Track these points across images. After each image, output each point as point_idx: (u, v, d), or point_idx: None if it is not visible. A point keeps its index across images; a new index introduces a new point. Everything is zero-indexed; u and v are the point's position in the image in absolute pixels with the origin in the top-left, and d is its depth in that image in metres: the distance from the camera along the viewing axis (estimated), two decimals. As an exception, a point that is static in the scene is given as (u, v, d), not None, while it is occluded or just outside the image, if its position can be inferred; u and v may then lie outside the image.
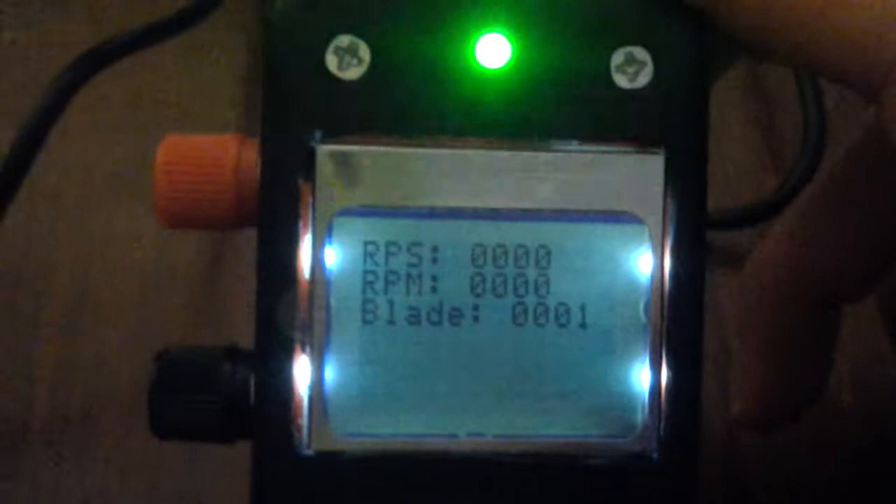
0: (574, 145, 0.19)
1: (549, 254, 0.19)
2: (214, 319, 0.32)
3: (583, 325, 0.19)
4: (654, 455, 0.19)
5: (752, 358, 0.24)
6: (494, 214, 0.19)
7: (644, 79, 0.19)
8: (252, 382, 0.19)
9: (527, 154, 0.19)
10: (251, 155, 0.19)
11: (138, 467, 0.30)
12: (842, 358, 0.27)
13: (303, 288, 0.19)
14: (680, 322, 0.19)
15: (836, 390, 0.29)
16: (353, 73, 0.18)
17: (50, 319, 0.32)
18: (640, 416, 0.19)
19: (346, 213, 0.19)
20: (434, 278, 0.19)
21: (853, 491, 0.28)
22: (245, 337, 0.31)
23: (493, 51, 0.19)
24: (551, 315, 0.19)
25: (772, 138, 0.35)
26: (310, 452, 0.19)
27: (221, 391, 0.19)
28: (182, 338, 0.31)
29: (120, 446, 0.30)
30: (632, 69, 0.19)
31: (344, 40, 0.18)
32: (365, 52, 0.18)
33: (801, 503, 0.27)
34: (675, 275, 0.19)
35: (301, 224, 0.19)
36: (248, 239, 0.33)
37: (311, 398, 0.19)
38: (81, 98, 0.31)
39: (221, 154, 0.19)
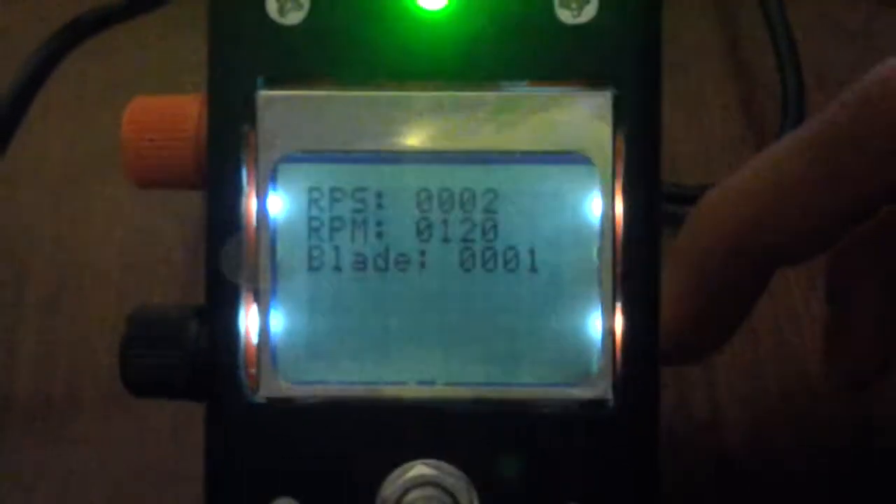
0: (519, 85, 0.19)
1: (496, 197, 0.19)
2: (198, 296, 0.32)
3: (532, 270, 0.19)
4: (611, 402, 0.18)
5: (678, 291, 0.23)
6: (440, 158, 0.19)
7: (589, 13, 0.18)
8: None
9: (471, 95, 0.19)
10: None
11: (121, 445, 0.30)
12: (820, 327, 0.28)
13: (249, 235, 0.19)
14: (634, 265, 0.18)
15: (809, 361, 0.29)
16: (293, 17, 0.18)
17: (32, 298, 0.32)
18: (595, 361, 0.19)
19: (290, 159, 0.19)
20: (379, 223, 0.19)
21: (834, 462, 0.28)
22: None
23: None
24: (500, 259, 0.18)
25: (752, 114, 0.35)
26: (260, 400, 0.19)
27: (189, 348, 0.19)
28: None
29: (102, 424, 0.30)
30: (576, 4, 0.18)
31: None
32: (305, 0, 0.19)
33: (787, 478, 0.28)
34: (628, 216, 0.18)
35: (246, 171, 0.19)
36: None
37: (259, 346, 0.19)
38: (61, 76, 0.31)
39: (183, 114, 0.19)
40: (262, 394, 0.19)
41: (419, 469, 0.18)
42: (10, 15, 0.36)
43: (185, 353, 0.19)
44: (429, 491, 0.18)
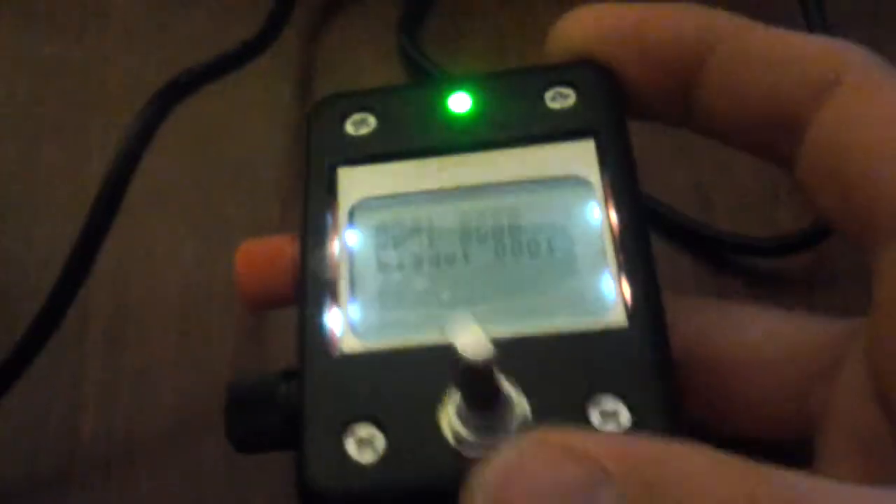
0: (526, 146, 0.26)
1: (518, 209, 0.25)
2: (254, 330, 0.33)
3: (551, 252, 0.25)
4: (626, 326, 0.23)
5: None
6: (474, 190, 0.26)
7: (569, 103, 0.26)
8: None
9: (493, 152, 0.26)
10: None
11: (181, 478, 0.30)
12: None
13: (333, 254, 0.25)
14: (629, 239, 0.24)
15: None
16: (363, 130, 0.26)
17: (95, 334, 0.33)
18: (611, 303, 0.24)
19: (363, 205, 0.26)
20: (431, 237, 0.25)
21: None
22: (281, 342, 0.31)
23: (460, 102, 0.27)
24: (524, 248, 0.25)
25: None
26: (342, 355, 0.23)
27: (280, 407, 0.23)
28: (222, 349, 0.32)
29: (164, 458, 0.31)
30: (560, 96, 0.26)
31: (358, 116, 0.27)
32: (372, 120, 0.27)
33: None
34: (620, 218, 0.25)
35: (331, 215, 0.25)
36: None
37: (342, 317, 0.24)
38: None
39: (282, 253, 0.26)
40: (343, 350, 0.24)
41: None
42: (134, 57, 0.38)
43: (279, 412, 0.23)
44: None
